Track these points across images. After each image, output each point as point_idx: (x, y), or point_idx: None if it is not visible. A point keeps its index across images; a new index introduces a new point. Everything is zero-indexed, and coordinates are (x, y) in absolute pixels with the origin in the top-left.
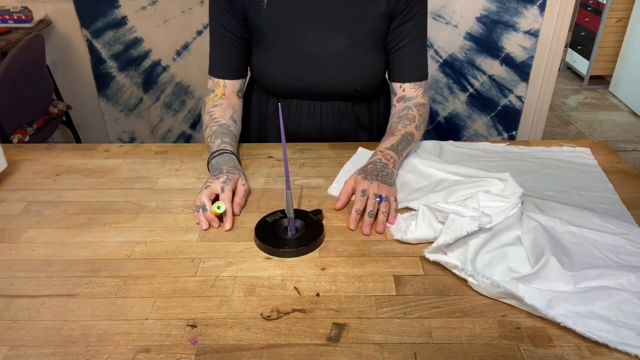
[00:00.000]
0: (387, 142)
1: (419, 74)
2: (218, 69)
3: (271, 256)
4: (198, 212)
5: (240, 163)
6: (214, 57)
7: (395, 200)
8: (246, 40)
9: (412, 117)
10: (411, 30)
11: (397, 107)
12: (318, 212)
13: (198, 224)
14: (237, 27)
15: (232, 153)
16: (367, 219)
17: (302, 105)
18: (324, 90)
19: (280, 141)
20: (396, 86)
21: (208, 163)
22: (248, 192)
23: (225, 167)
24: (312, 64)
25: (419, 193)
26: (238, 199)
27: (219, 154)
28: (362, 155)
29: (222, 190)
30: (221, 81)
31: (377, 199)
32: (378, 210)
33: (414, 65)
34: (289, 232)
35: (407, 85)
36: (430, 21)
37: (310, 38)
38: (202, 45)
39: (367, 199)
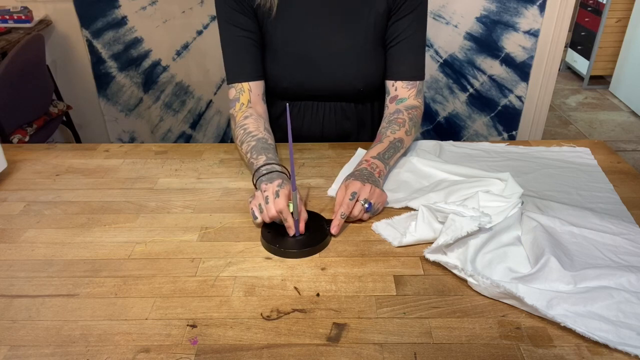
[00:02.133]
0: (374, 150)
1: (412, 73)
2: (240, 73)
3: (272, 256)
4: (285, 222)
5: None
6: (232, 62)
7: (379, 210)
8: (261, 38)
9: (402, 121)
10: (406, 28)
11: (388, 109)
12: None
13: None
14: (251, 23)
15: (280, 167)
16: (340, 220)
17: (305, 106)
18: (327, 91)
19: (283, 141)
20: (389, 84)
21: (256, 180)
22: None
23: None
24: (316, 66)
25: (418, 193)
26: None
27: (268, 172)
28: (361, 156)
29: (277, 195)
30: (245, 85)
31: (366, 206)
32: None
33: (406, 64)
34: (295, 233)
35: (399, 84)
36: (430, 21)
37: (314, 41)
38: (202, 45)
39: (356, 202)
